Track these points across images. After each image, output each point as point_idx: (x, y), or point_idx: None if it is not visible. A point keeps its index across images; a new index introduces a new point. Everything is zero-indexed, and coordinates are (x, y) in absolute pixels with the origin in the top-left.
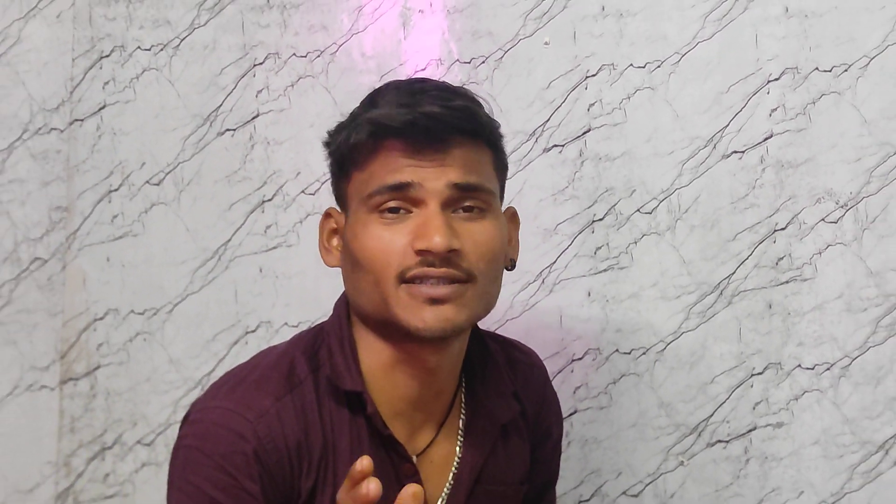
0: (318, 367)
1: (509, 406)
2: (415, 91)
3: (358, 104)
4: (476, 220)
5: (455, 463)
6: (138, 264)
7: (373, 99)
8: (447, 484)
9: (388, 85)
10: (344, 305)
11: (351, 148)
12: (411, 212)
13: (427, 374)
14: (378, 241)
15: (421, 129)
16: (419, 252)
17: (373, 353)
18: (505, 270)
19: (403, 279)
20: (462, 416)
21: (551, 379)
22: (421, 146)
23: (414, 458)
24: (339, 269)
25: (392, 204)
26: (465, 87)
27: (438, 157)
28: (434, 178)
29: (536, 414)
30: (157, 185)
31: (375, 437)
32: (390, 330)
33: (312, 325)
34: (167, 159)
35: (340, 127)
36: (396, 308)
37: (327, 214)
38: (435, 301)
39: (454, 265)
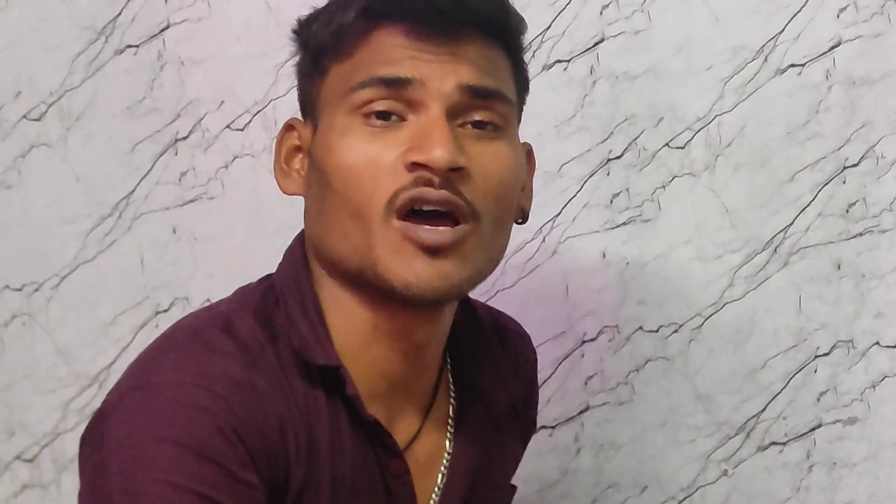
0: (275, 337)
1: (508, 389)
2: None
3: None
4: (489, 140)
5: (445, 460)
6: (13, 225)
7: None
8: (436, 488)
9: None
10: (300, 252)
11: (332, 33)
12: (405, 119)
13: (413, 347)
14: (362, 155)
15: (431, 10)
16: (413, 166)
17: (346, 320)
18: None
19: (396, 211)
20: (452, 401)
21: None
22: (428, 34)
23: None
24: (298, 204)
25: (382, 106)
26: None
27: (449, 49)
28: (441, 75)
29: (525, 398)
30: (38, 120)
31: (357, 427)
32: (370, 287)
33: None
34: (50, 87)
35: (316, 13)
36: (382, 251)
37: (289, 126)
38: (432, 251)
39: (456, 191)
